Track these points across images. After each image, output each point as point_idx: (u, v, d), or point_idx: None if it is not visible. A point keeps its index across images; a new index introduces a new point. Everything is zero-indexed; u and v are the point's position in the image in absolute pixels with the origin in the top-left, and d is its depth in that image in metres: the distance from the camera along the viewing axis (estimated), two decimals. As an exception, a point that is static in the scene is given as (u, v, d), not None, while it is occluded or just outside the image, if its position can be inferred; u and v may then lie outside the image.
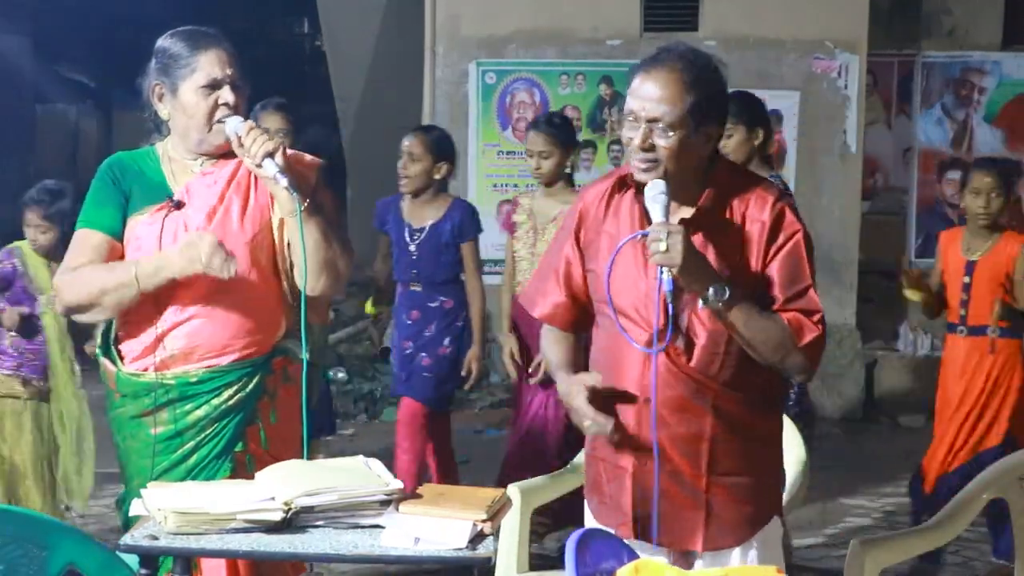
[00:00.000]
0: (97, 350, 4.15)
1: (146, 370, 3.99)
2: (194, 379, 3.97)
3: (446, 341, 7.27)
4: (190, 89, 3.94)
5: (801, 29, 10.20)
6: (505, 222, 7.80)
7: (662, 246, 3.32)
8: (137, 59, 4.20)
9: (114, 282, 3.93)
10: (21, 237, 7.45)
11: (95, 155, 22.22)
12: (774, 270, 3.57)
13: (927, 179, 11.65)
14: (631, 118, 3.53)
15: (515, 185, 10.71)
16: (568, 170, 7.32)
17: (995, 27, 11.61)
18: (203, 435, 4.00)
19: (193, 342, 3.98)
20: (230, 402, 4.00)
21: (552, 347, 3.87)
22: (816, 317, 3.56)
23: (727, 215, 3.58)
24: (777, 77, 10.34)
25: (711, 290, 3.42)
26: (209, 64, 3.93)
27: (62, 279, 4.07)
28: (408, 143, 7.31)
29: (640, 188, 3.56)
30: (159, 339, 3.97)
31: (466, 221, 7.42)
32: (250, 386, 4.03)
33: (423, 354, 7.25)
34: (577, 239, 3.70)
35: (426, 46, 10.89)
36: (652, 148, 3.48)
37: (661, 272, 3.39)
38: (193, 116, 3.95)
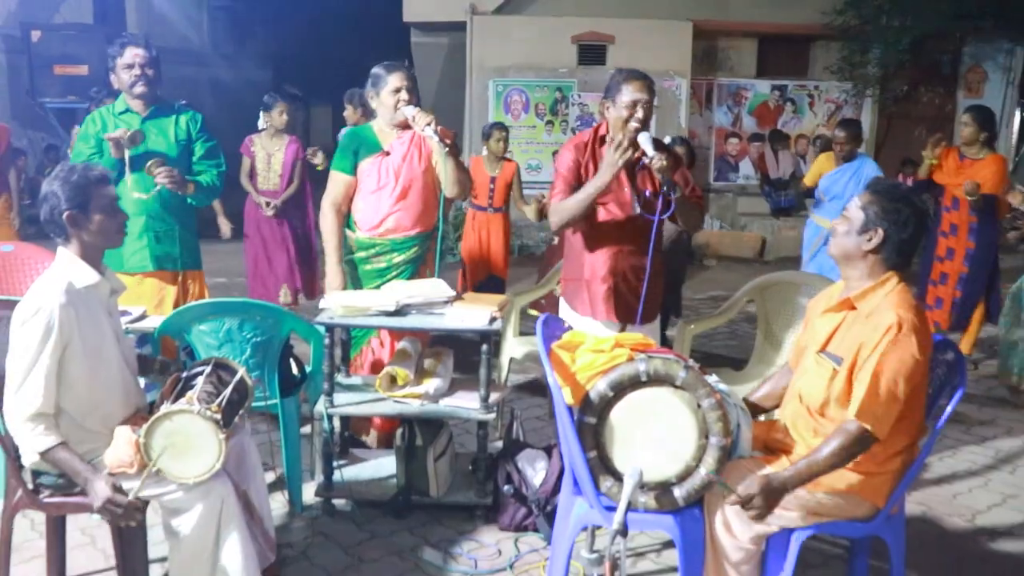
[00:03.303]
0: (346, 225, 4.07)
1: (371, 236, 3.97)
2: (398, 240, 3.96)
3: None
4: (386, 91, 3.90)
5: (658, 64, 10.01)
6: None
7: (664, 163, 3.30)
8: (324, 80, 4.14)
9: (325, 233, 4.03)
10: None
11: (302, 133, 22.00)
12: (682, 176, 3.55)
13: (719, 142, 11.54)
14: (632, 105, 3.40)
15: (510, 150, 10.69)
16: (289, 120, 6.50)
17: (752, 65, 11.49)
18: (399, 270, 3.97)
19: (396, 222, 3.95)
20: (414, 254, 3.99)
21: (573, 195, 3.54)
22: (702, 199, 3.66)
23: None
24: (646, 89, 10.08)
25: (677, 188, 3.39)
26: (394, 79, 3.89)
27: (324, 208, 4.04)
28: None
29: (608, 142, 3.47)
30: (382, 221, 3.95)
31: None
32: (424, 246, 4.02)
33: None
34: (580, 168, 3.53)
35: (467, 72, 10.75)
36: (646, 118, 3.43)
37: (663, 176, 3.33)
38: (387, 106, 3.92)
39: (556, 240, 6.30)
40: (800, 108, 11.51)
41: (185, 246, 4.15)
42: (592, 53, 10.79)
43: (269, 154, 6.42)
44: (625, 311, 3.58)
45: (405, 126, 3.93)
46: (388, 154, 3.95)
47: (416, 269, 3.99)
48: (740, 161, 11.55)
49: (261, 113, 6.46)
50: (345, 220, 4.05)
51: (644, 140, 3.38)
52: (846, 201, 5.92)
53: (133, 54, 3.95)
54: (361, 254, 4.00)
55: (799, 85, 11.54)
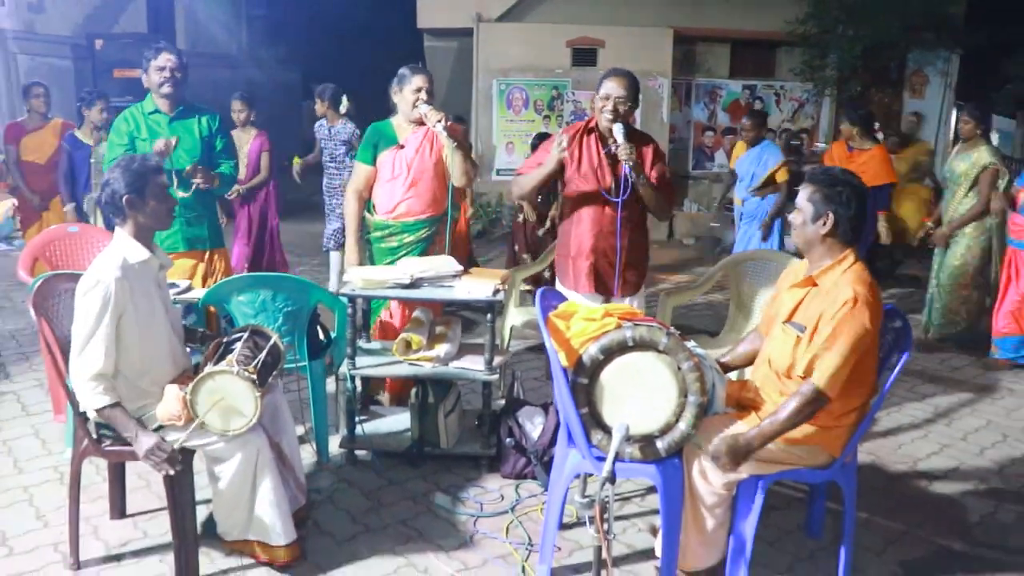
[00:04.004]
0: (366, 209, 4.02)
1: (386, 219, 3.90)
2: (408, 223, 3.88)
3: None
4: (409, 89, 3.81)
5: (642, 66, 9.83)
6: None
7: (630, 152, 3.25)
8: (348, 80, 4.05)
9: (346, 217, 4.01)
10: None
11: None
12: (656, 169, 3.46)
13: (697, 135, 11.41)
14: (605, 98, 3.37)
15: (510, 142, 10.60)
16: (253, 119, 6.20)
17: (725, 67, 11.39)
18: (409, 249, 3.90)
19: (409, 207, 3.87)
20: (425, 236, 3.91)
21: (531, 171, 3.56)
22: (670, 192, 3.50)
23: (639, 143, 3.43)
24: (631, 89, 10.00)
25: (641, 175, 3.34)
26: (418, 80, 3.81)
27: (347, 193, 4.01)
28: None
29: (600, 130, 3.44)
30: (395, 206, 3.88)
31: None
32: (433, 228, 3.93)
33: None
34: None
35: (474, 73, 10.64)
36: (618, 110, 3.35)
37: (627, 164, 3.29)
38: (407, 102, 3.83)
39: (522, 218, 6.16)
40: (768, 106, 11.39)
41: (211, 228, 4.13)
42: (584, 56, 10.69)
43: (239, 146, 6.11)
44: (604, 285, 3.54)
45: (421, 122, 3.86)
46: (403, 147, 3.88)
47: (425, 249, 3.92)
48: (715, 152, 11.43)
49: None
50: (365, 205, 4.00)
51: (617, 130, 3.33)
52: (751, 181, 5.98)
53: (165, 59, 3.90)
54: (377, 234, 3.95)
55: (767, 85, 11.45)
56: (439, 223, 3.97)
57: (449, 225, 4.00)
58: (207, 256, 4.12)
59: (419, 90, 3.80)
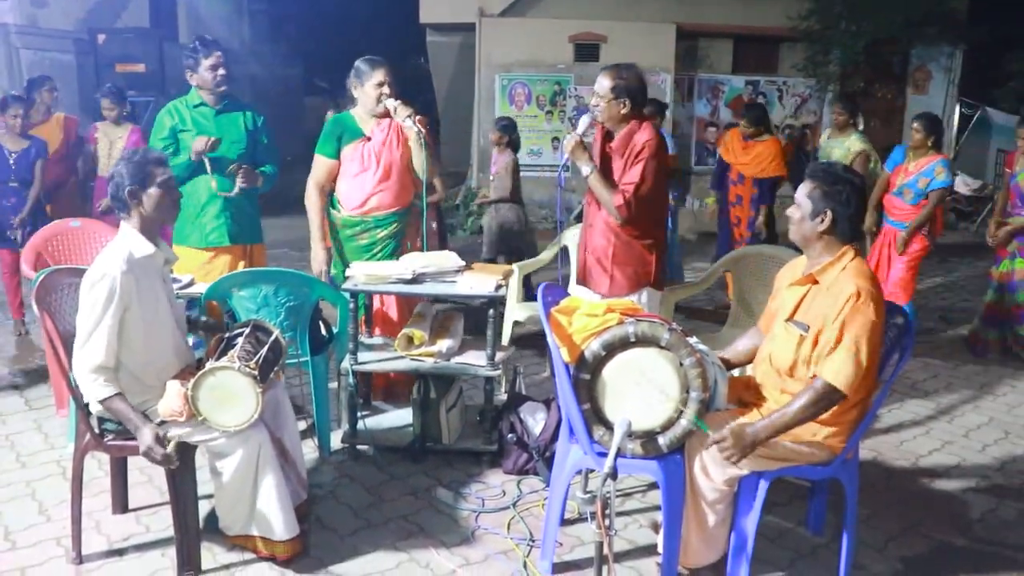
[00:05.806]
0: (330, 206, 3.95)
1: (357, 215, 3.86)
2: (380, 217, 3.85)
3: None
4: (370, 85, 3.77)
5: (645, 61, 9.76)
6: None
7: (569, 140, 3.33)
8: (348, 76, 3.98)
9: (310, 212, 3.91)
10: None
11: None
12: (627, 167, 3.36)
13: (699, 130, 11.40)
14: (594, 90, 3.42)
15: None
16: (126, 112, 5.96)
17: (728, 63, 11.37)
18: (383, 244, 3.87)
19: (379, 201, 3.83)
20: (395, 229, 3.88)
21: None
22: (628, 192, 3.31)
23: (630, 138, 3.36)
24: (633, 84, 9.96)
25: (582, 167, 3.36)
26: (378, 74, 3.76)
27: (308, 188, 3.92)
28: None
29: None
30: (366, 200, 3.83)
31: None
32: (404, 222, 3.91)
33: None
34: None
35: (476, 67, 10.63)
36: (599, 105, 3.37)
37: (564, 152, 3.39)
38: (370, 97, 3.79)
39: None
40: (770, 101, 11.38)
41: (253, 223, 4.16)
42: (587, 51, 10.67)
43: (111, 141, 5.97)
44: (590, 281, 3.52)
45: (384, 115, 3.83)
46: (370, 139, 3.84)
47: (399, 243, 3.89)
48: (717, 147, 11.47)
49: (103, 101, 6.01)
50: (329, 200, 3.94)
51: (583, 120, 3.41)
52: None
53: (217, 57, 3.95)
54: (348, 232, 3.89)
55: (769, 81, 11.42)
56: (408, 215, 3.94)
57: (424, 216, 3.97)
58: (248, 251, 4.13)
59: (381, 84, 3.76)
